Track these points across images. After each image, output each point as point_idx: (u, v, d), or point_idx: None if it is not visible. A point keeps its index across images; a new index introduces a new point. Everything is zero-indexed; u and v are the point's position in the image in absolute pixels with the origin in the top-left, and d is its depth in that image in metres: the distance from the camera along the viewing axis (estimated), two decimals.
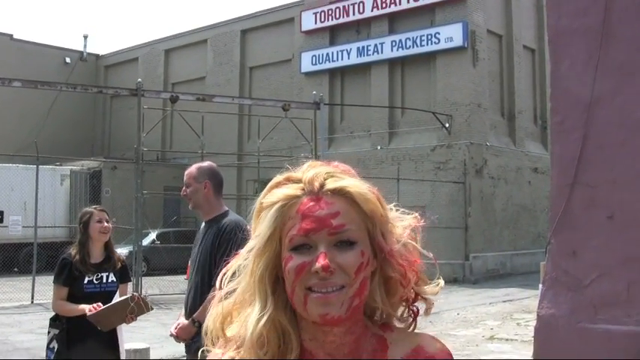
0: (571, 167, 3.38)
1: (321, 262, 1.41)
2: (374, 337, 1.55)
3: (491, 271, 28.61)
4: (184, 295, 5.66)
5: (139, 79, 23.25)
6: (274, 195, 1.51)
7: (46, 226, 25.64)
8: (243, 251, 1.55)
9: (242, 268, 1.54)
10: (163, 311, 18.00)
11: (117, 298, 5.96)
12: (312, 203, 1.46)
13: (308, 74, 33.44)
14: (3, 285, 22.47)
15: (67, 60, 44.35)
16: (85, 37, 46.09)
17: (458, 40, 28.53)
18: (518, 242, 30.07)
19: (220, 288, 1.57)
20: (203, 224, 5.54)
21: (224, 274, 1.58)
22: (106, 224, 6.05)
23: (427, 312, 1.63)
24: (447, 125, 28.41)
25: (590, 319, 3.26)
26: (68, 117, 42.19)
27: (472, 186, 28.14)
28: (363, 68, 31.70)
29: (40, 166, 22.83)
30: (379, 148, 30.39)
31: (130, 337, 11.02)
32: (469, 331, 14.73)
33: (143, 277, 21.67)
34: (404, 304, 1.60)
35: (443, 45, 28.94)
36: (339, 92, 32.73)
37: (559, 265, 3.46)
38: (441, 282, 1.65)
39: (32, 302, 19.59)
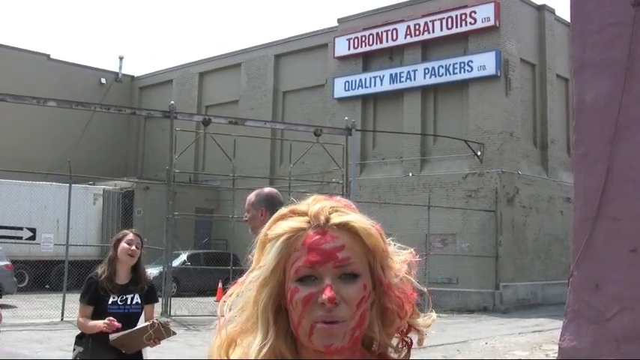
0: (595, 199, 3.38)
1: (327, 294, 1.45)
2: None
3: (522, 300, 28.39)
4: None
5: (172, 102, 23.47)
6: (280, 227, 1.55)
7: (77, 245, 25.85)
8: (246, 280, 1.59)
9: (243, 296, 1.59)
10: (191, 332, 18.05)
11: (142, 320, 5.96)
12: (318, 236, 1.51)
13: (341, 100, 33.52)
14: (34, 301, 22.67)
15: (103, 81, 44.79)
16: (121, 58, 46.49)
17: (491, 69, 28.52)
18: (550, 272, 29.81)
19: (222, 315, 1.61)
20: None
21: (225, 302, 1.62)
22: (133, 248, 6.01)
23: (420, 343, 1.66)
24: (479, 153, 28.33)
25: (612, 352, 3.25)
26: (102, 137, 42.58)
27: (503, 215, 28.00)
28: (396, 95, 31.74)
29: (73, 185, 23.04)
30: (411, 175, 30.35)
31: (158, 357, 11.08)
32: None
33: (173, 298, 21.76)
34: (398, 335, 1.63)
35: (476, 73, 28.93)
36: (371, 118, 32.77)
37: (581, 298, 3.46)
38: (433, 315, 1.68)
39: (62, 319, 19.71)
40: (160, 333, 5.73)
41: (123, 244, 5.99)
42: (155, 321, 5.78)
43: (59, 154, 35.68)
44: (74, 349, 6.00)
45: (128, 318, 5.85)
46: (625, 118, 3.38)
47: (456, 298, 27.53)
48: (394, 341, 1.64)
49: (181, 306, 22.64)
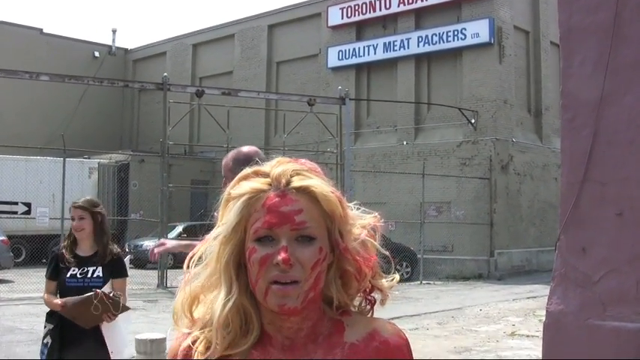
0: (581, 164, 3.41)
1: (282, 255, 1.50)
2: (331, 322, 1.64)
3: (517, 267, 28.54)
4: None
5: (165, 74, 23.41)
6: (242, 187, 1.59)
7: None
8: (209, 237, 1.63)
9: (208, 253, 1.63)
10: None
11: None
12: (277, 199, 1.55)
13: (334, 69, 33.48)
14: (31, 276, 22.69)
15: (96, 54, 44.58)
16: (114, 31, 46.25)
17: (484, 36, 28.46)
18: (544, 239, 29.92)
19: (188, 271, 1.66)
20: None
21: (191, 258, 1.66)
22: (75, 223, 5.59)
23: (382, 302, 1.71)
24: (473, 121, 28.35)
25: (599, 315, 3.29)
26: (97, 110, 42.45)
27: (498, 182, 28.08)
28: (390, 64, 31.68)
29: (69, 159, 23.00)
30: (405, 143, 30.37)
31: (153, 328, 11.17)
32: (490, 327, 14.71)
33: (169, 270, 21.86)
34: (361, 295, 1.68)
35: (469, 41, 28.87)
36: (365, 87, 32.76)
37: (568, 262, 3.49)
38: (397, 276, 1.72)
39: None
40: (106, 305, 5.30)
41: (72, 221, 5.67)
42: (98, 291, 5.34)
43: (54, 129, 35.55)
44: (45, 326, 5.78)
45: (88, 292, 5.38)
46: (611, 83, 3.39)
47: (451, 265, 27.68)
48: (357, 300, 1.68)
49: (177, 277, 22.72)
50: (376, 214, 1.70)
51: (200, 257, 1.65)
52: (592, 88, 3.44)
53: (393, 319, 12.68)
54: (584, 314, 3.38)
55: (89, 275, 5.54)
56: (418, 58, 30.84)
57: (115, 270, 5.65)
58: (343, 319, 1.65)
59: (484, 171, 28.02)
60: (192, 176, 35.01)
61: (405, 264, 26.46)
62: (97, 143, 37.47)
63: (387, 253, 1.70)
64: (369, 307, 1.69)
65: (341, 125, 24.22)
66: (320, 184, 1.58)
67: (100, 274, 5.55)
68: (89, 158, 32.49)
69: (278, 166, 1.60)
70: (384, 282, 1.69)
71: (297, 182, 1.57)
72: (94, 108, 41.91)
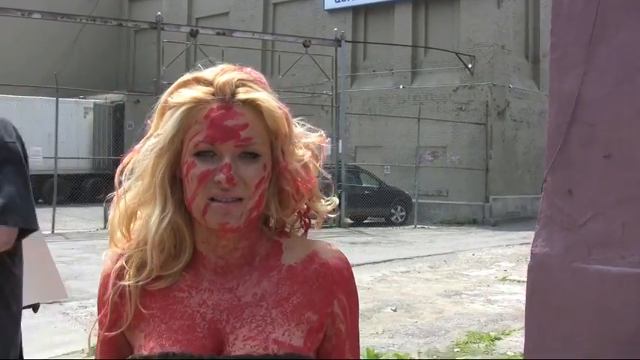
0: (569, 105, 3.33)
1: (225, 173, 1.41)
2: (269, 242, 1.58)
3: (512, 213, 28.62)
4: None
5: (159, 13, 23.18)
6: (182, 95, 1.48)
7: (69, 158, 25.82)
8: (143, 149, 1.53)
9: (139, 165, 1.53)
10: None
11: None
12: (222, 111, 1.45)
13: (331, 11, 33.15)
14: None
15: None
16: None
17: None
18: (540, 186, 29.68)
19: (119, 186, 1.56)
20: None
21: (121, 171, 1.57)
22: None
23: (317, 224, 1.65)
24: (470, 66, 28.17)
25: (584, 259, 3.24)
26: (93, 50, 42.01)
27: (494, 128, 28.02)
28: (387, 7, 31.38)
29: (64, 99, 22.87)
30: (401, 87, 30.22)
31: None
32: (482, 272, 14.78)
33: None
34: (296, 215, 1.62)
35: None
36: (362, 30, 32.49)
37: (554, 204, 3.44)
38: (335, 200, 1.65)
39: (53, 232, 19.97)
40: None
41: None
42: None
43: (49, 68, 35.15)
44: None
45: None
46: (602, 22, 3.30)
47: (446, 210, 27.75)
48: (292, 220, 1.62)
49: None
50: (322, 132, 1.63)
51: (132, 170, 1.55)
52: (582, 27, 3.35)
53: (385, 261, 12.71)
54: (569, 257, 3.34)
55: None
56: (416, 2, 30.52)
57: None
58: (282, 241, 1.59)
59: (480, 116, 27.94)
60: None
61: (399, 208, 26.56)
62: (93, 83, 37.08)
63: (329, 176, 1.65)
64: (302, 228, 1.64)
65: (336, 68, 24.05)
66: (267, 97, 1.49)
67: None
68: (85, 98, 32.34)
69: (222, 74, 1.50)
70: (322, 205, 1.62)
71: (243, 94, 1.47)
72: (90, 48, 41.47)
